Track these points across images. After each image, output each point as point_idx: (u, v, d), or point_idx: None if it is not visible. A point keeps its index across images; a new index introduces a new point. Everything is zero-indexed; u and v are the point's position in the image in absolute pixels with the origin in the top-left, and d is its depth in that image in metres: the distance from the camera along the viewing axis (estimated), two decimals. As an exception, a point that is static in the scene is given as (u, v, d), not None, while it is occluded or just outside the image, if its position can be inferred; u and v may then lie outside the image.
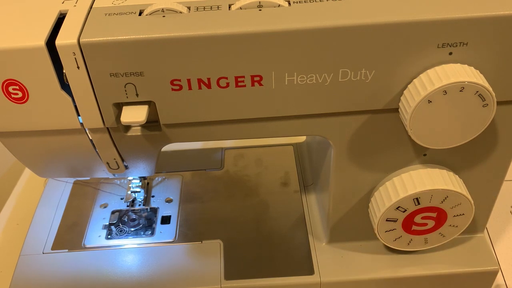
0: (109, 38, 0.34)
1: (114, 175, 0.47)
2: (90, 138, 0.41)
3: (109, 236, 0.54)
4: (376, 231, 0.46)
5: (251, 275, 0.50)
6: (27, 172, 0.68)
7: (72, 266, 0.51)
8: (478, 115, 0.38)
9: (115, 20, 0.36)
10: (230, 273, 0.50)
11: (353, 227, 0.50)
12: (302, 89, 0.38)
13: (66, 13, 0.37)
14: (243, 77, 0.37)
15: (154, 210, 0.57)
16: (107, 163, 0.44)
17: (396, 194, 0.44)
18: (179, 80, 0.37)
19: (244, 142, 0.66)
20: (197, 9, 0.37)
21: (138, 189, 0.58)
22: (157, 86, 0.37)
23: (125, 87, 0.37)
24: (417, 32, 0.35)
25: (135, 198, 0.58)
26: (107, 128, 0.40)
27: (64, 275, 0.50)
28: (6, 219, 0.61)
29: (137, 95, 0.37)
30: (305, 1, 0.37)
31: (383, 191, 0.45)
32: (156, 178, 0.61)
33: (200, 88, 0.37)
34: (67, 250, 0.53)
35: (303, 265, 0.50)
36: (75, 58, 0.35)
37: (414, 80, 0.37)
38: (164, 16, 0.36)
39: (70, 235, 0.54)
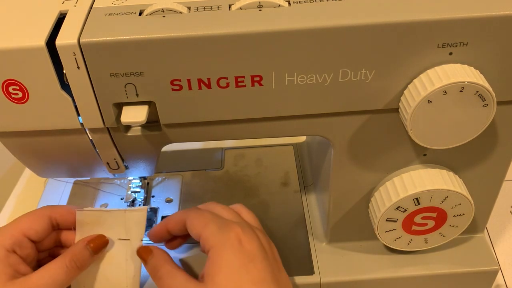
0: (109, 38, 0.34)
1: (114, 175, 0.47)
2: (90, 138, 0.41)
3: (109, 236, 0.54)
4: (376, 231, 0.46)
5: (251, 275, 0.50)
6: (27, 172, 0.68)
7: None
8: (478, 115, 0.38)
9: (115, 20, 0.36)
10: (230, 273, 0.50)
11: (353, 227, 0.50)
12: (302, 89, 0.38)
13: (66, 13, 0.37)
14: (243, 77, 0.37)
15: (154, 210, 0.57)
16: (107, 163, 0.44)
17: (396, 194, 0.44)
18: (179, 80, 0.37)
19: (244, 142, 0.66)
20: (197, 9, 0.37)
21: (138, 189, 0.58)
22: (157, 86, 0.37)
23: (125, 87, 0.37)
24: (417, 32, 0.35)
25: (135, 198, 0.57)
26: (107, 128, 0.40)
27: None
28: (6, 219, 0.61)
29: (137, 95, 0.37)
30: (305, 1, 0.37)
31: (383, 191, 0.45)
32: (156, 178, 0.61)
33: (200, 88, 0.37)
34: (67, 250, 0.53)
35: (303, 265, 0.50)
36: (75, 58, 0.35)
37: (414, 80, 0.37)
38: (164, 16, 0.36)
39: (70, 235, 0.54)
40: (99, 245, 0.45)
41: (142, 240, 0.47)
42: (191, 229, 0.43)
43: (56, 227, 0.46)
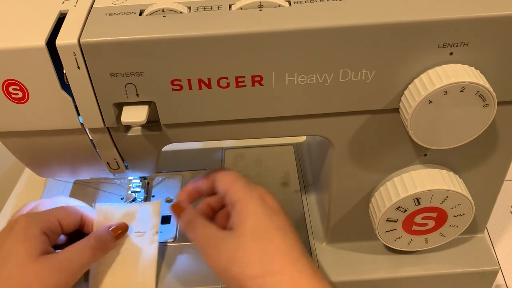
0: (110, 38, 0.34)
1: (114, 175, 0.47)
2: (91, 138, 0.41)
3: (109, 236, 0.54)
4: (376, 231, 0.46)
5: (251, 275, 0.50)
6: (27, 172, 0.68)
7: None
8: (479, 116, 0.38)
9: (115, 20, 0.36)
10: (230, 273, 0.50)
11: (353, 227, 0.50)
12: (302, 89, 0.38)
13: (66, 13, 0.37)
14: (244, 77, 0.37)
15: (154, 210, 0.57)
16: (107, 163, 0.44)
17: (396, 194, 0.44)
18: (180, 80, 0.37)
19: (244, 142, 0.66)
20: (197, 9, 0.37)
21: (138, 189, 0.58)
22: (158, 86, 0.37)
23: (125, 87, 0.37)
24: (417, 32, 0.35)
25: (135, 198, 0.57)
26: (108, 128, 0.40)
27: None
28: (6, 219, 0.61)
29: (137, 95, 0.37)
30: (305, 1, 0.37)
31: (383, 191, 0.45)
32: (156, 178, 0.61)
33: (200, 88, 0.37)
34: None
35: (303, 265, 0.50)
36: (76, 58, 0.35)
37: (415, 80, 0.37)
38: (164, 16, 0.36)
39: (70, 235, 0.54)
40: (120, 230, 0.49)
41: (157, 231, 0.51)
42: (219, 184, 0.46)
43: (82, 227, 0.50)
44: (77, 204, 0.52)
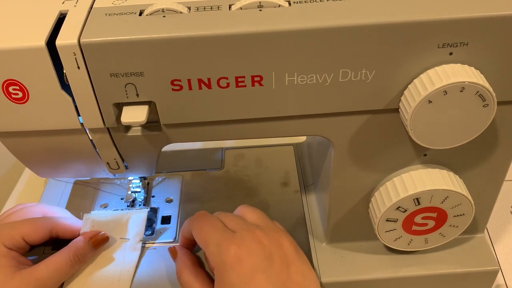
0: (110, 38, 0.34)
1: (114, 175, 0.47)
2: (90, 138, 0.41)
3: (109, 236, 0.54)
4: (376, 231, 0.46)
5: (251, 275, 0.50)
6: (27, 172, 0.68)
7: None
8: (479, 115, 0.38)
9: (115, 20, 0.36)
10: (230, 273, 0.50)
11: (353, 227, 0.50)
12: (302, 89, 0.38)
13: (66, 13, 0.37)
14: (243, 77, 0.37)
15: (154, 210, 0.57)
16: (107, 163, 0.44)
17: (396, 194, 0.44)
18: (180, 80, 0.37)
19: (244, 142, 0.66)
20: (197, 9, 0.37)
21: (138, 189, 0.58)
22: (158, 86, 0.37)
23: (125, 87, 0.37)
24: (417, 32, 0.35)
25: (135, 198, 0.57)
26: (107, 128, 0.40)
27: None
28: (6, 219, 0.61)
29: (137, 95, 0.37)
30: (305, 1, 0.37)
31: (383, 191, 0.45)
32: (156, 178, 0.61)
33: (200, 88, 0.37)
34: (67, 250, 0.53)
35: (303, 265, 0.50)
36: (76, 58, 0.35)
37: (415, 80, 0.37)
38: (164, 16, 0.36)
39: (70, 235, 0.54)
40: (100, 241, 0.49)
41: (141, 239, 0.52)
42: (197, 242, 0.46)
43: (55, 238, 0.50)
44: (59, 214, 0.52)
